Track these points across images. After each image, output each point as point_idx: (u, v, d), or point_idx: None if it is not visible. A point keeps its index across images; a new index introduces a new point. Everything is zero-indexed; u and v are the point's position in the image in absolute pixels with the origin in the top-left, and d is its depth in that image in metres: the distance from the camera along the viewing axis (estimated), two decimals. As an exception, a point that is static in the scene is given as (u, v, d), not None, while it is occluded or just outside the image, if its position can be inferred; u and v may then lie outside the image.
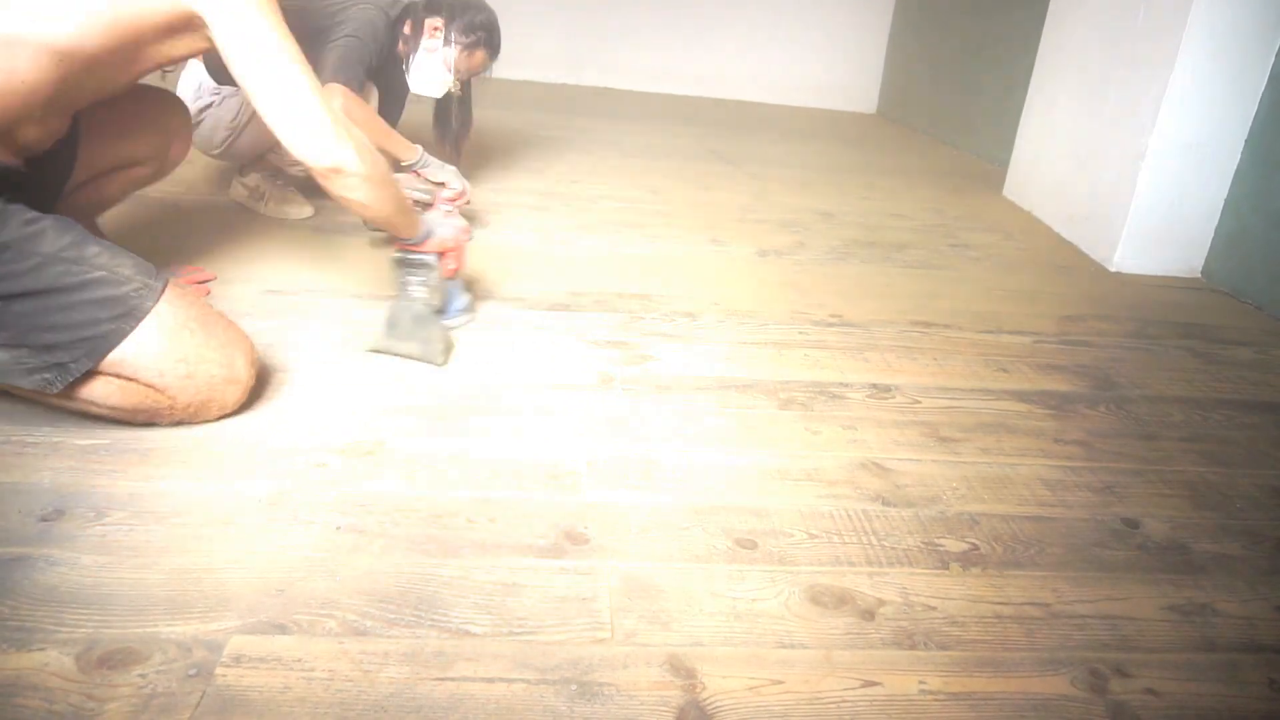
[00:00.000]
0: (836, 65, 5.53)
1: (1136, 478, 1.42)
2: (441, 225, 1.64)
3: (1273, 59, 2.30)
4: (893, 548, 1.18)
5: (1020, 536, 1.24)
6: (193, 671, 0.88)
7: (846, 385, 1.65)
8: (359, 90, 2.17)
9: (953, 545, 1.20)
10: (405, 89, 2.42)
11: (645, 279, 2.12)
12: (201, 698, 0.85)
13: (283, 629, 0.95)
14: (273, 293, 1.83)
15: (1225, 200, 2.44)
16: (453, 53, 2.32)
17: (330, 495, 1.18)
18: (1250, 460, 1.51)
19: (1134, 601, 1.12)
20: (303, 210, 2.36)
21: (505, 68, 5.79)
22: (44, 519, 1.09)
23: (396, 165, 2.25)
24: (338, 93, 2.07)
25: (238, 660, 0.90)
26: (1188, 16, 2.27)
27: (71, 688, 0.85)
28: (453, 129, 2.54)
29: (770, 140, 4.22)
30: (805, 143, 4.28)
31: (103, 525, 1.09)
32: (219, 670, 0.89)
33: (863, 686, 0.95)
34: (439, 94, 2.38)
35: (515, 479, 1.26)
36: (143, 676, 0.87)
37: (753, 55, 5.47)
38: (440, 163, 2.32)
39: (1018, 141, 3.22)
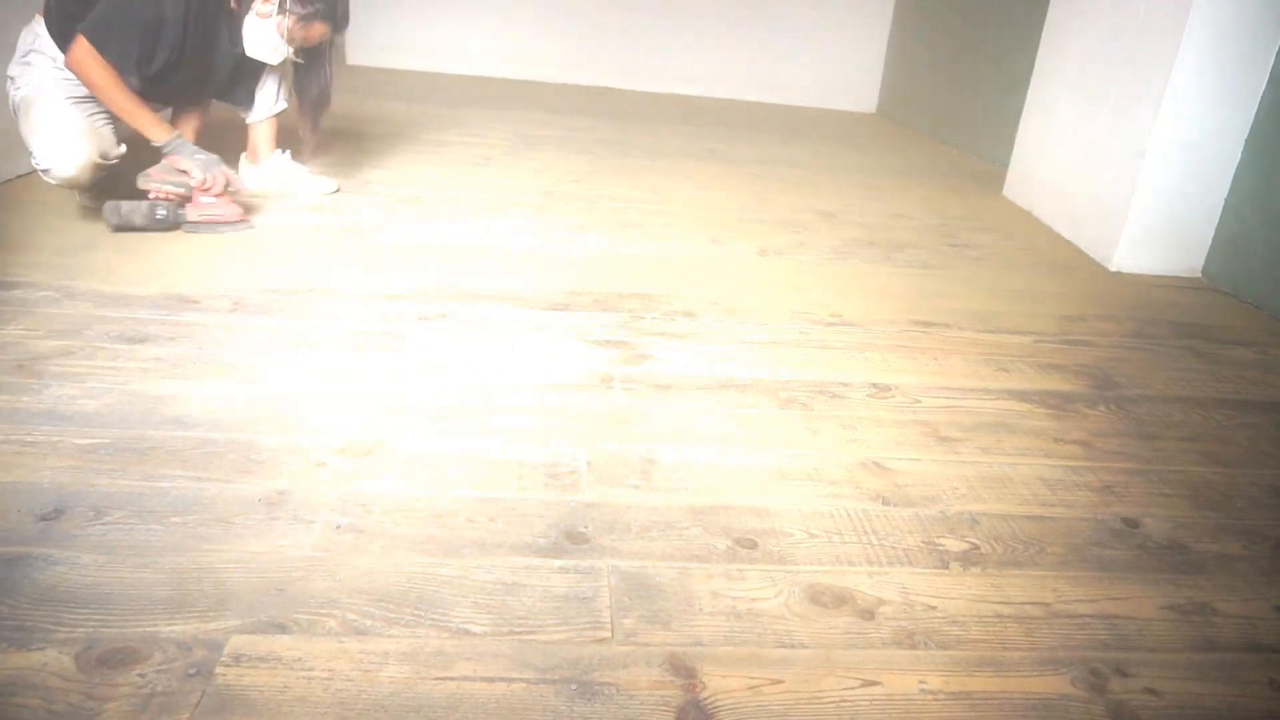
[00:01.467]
0: (836, 65, 5.53)
1: (1136, 478, 1.42)
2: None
3: (1273, 59, 2.30)
4: (893, 547, 1.18)
5: (1020, 536, 1.23)
6: (192, 671, 0.88)
7: (846, 385, 1.65)
8: (115, 52, 2.04)
9: (953, 545, 1.20)
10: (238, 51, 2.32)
11: (645, 279, 2.12)
12: (201, 697, 0.85)
13: (283, 629, 0.95)
14: (273, 291, 1.84)
15: (1225, 200, 2.44)
16: (286, 21, 2.23)
17: (330, 495, 1.18)
18: (1250, 460, 1.51)
19: (1134, 601, 1.12)
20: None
21: (505, 67, 5.75)
22: (44, 518, 1.09)
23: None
24: (79, 47, 2.00)
25: (237, 660, 0.90)
26: (1188, 16, 2.27)
27: (71, 687, 0.85)
28: (307, 101, 2.45)
29: (770, 140, 4.22)
30: (805, 143, 4.28)
31: (102, 525, 1.09)
32: (219, 670, 0.89)
33: (863, 686, 0.95)
34: (274, 61, 2.33)
35: (515, 479, 1.26)
36: (142, 676, 0.87)
37: (753, 55, 5.48)
38: (194, 149, 2.18)
39: (1018, 141, 3.22)
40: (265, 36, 2.26)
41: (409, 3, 5.24)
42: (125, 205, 2.08)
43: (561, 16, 5.30)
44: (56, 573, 1.00)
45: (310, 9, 2.23)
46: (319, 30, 2.29)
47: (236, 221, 2.20)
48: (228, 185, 2.19)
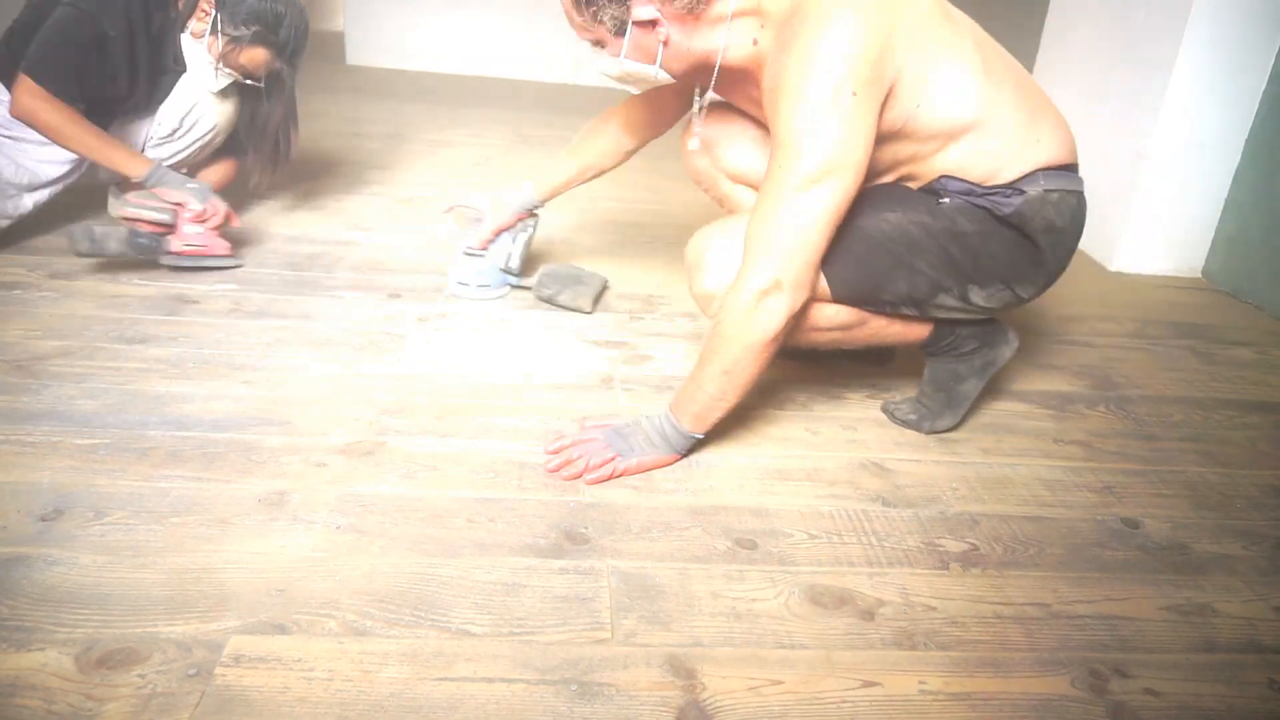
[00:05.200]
0: (836, 65, 5.52)
1: (1136, 478, 1.42)
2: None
3: (1273, 59, 2.30)
4: (893, 548, 1.18)
5: (1020, 536, 1.23)
6: (192, 671, 0.88)
7: (846, 385, 1.65)
8: (63, 88, 1.79)
9: (953, 545, 1.20)
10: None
11: (645, 279, 2.12)
12: (201, 698, 0.85)
13: (283, 629, 0.95)
14: (273, 291, 1.84)
15: (1225, 200, 2.43)
16: (218, 43, 1.91)
17: (330, 495, 1.19)
18: (1250, 460, 1.51)
19: (1134, 601, 1.12)
20: None
21: (505, 67, 5.72)
22: (43, 519, 1.09)
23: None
24: (23, 91, 1.76)
25: (237, 660, 0.90)
26: (1188, 16, 2.27)
27: (71, 688, 0.85)
28: (260, 139, 2.11)
29: (770, 140, 4.21)
30: (805, 143, 4.27)
31: (102, 525, 1.09)
32: (218, 670, 0.89)
33: (863, 687, 0.95)
34: (213, 88, 2.02)
35: (515, 479, 1.26)
36: (142, 676, 0.87)
37: (753, 55, 5.47)
38: (183, 178, 1.94)
39: (1018, 141, 3.22)
40: (201, 59, 1.95)
41: (409, 3, 5.24)
42: (99, 229, 1.79)
43: (562, 16, 5.30)
44: (56, 573, 1.00)
45: (242, 31, 1.89)
46: (259, 57, 1.95)
47: (225, 256, 1.94)
48: (227, 220, 1.94)
